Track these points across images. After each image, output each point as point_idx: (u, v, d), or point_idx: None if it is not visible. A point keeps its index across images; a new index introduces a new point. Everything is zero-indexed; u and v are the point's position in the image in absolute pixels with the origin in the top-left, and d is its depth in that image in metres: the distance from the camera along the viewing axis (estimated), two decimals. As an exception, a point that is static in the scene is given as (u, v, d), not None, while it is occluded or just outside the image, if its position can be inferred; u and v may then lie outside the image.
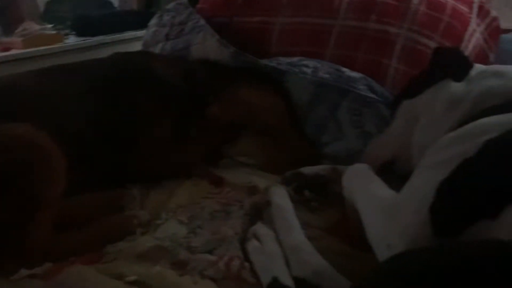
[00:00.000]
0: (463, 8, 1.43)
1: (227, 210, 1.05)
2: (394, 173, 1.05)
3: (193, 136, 1.28)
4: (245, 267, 0.85)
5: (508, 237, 0.62)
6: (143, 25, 2.13)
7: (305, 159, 1.21)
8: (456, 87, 0.96)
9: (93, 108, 1.21)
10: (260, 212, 1.02)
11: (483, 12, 1.48)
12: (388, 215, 0.83)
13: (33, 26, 2.02)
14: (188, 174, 1.23)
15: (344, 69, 1.30)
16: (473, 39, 1.41)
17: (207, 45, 1.44)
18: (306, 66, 1.29)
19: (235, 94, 1.30)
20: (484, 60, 1.44)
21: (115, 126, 1.22)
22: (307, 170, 1.13)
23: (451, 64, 1.00)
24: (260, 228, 0.95)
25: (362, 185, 0.96)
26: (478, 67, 1.04)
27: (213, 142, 1.29)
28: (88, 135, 1.17)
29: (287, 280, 0.81)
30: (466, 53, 1.37)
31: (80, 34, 2.05)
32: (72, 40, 1.98)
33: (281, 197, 1.03)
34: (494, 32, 1.50)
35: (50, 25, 2.28)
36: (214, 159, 1.29)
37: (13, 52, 1.83)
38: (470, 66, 0.99)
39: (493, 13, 1.50)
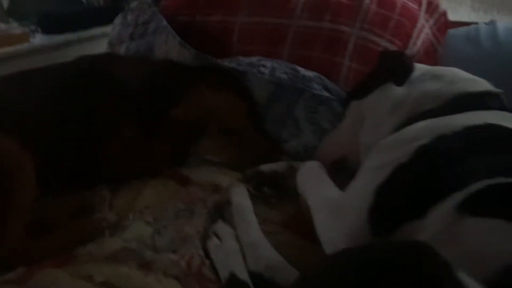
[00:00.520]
0: (412, 5, 1.50)
1: (191, 209, 1.10)
2: (345, 169, 1.13)
3: (158, 137, 1.32)
4: (205, 264, 0.91)
5: (430, 234, 0.70)
6: (110, 21, 2.16)
7: (266, 156, 1.26)
8: (397, 90, 1.03)
9: (59, 113, 1.24)
10: (221, 210, 1.08)
11: (431, 7, 1.55)
12: (334, 214, 0.90)
13: None
14: (155, 174, 1.27)
15: (300, 69, 1.35)
16: (421, 34, 1.48)
17: (169, 46, 1.48)
18: (264, 66, 1.35)
19: (197, 95, 1.34)
20: (433, 54, 1.51)
21: (80, 129, 1.25)
22: (266, 167, 1.19)
23: (393, 68, 1.06)
24: (220, 226, 1.01)
25: (313, 184, 1.03)
26: (419, 69, 1.10)
27: (178, 141, 1.32)
28: (55, 139, 1.20)
29: (243, 275, 0.87)
30: (415, 48, 1.45)
31: (46, 31, 2.03)
32: (38, 38, 1.96)
33: (241, 196, 1.09)
34: (442, 26, 1.57)
35: (15, 23, 2.26)
36: (180, 158, 1.33)
37: None
38: (411, 70, 1.06)
39: (441, 8, 1.57)
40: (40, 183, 1.07)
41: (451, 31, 1.52)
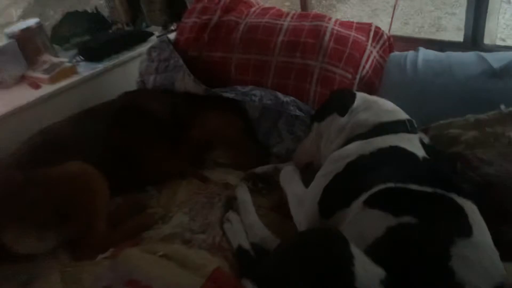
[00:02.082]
0: (361, 38, 1.83)
1: (212, 202, 1.53)
2: (312, 169, 1.52)
3: (182, 150, 1.73)
4: (223, 240, 1.35)
5: (350, 218, 1.10)
6: (135, 45, 2.54)
7: (258, 159, 1.67)
8: (340, 119, 1.37)
9: (112, 141, 1.64)
10: (231, 202, 1.50)
11: (377, 37, 1.88)
12: (299, 203, 1.32)
13: (51, 59, 2.31)
14: (183, 176, 1.69)
15: (280, 95, 1.72)
16: (370, 59, 1.82)
17: (185, 82, 1.86)
18: (255, 95, 1.73)
19: (208, 118, 1.75)
20: (380, 71, 1.84)
21: (127, 150, 1.65)
22: (259, 169, 1.61)
23: (337, 103, 1.41)
24: (231, 214, 1.44)
25: (288, 182, 1.44)
26: (359, 98, 1.42)
27: (197, 152, 1.75)
28: (113, 160, 1.59)
29: (246, 245, 1.31)
30: (364, 71, 1.79)
31: (88, 59, 2.38)
32: (82, 68, 2.30)
33: (243, 193, 1.50)
34: (387, 49, 1.90)
35: (60, 49, 2.63)
36: (199, 163, 1.75)
37: (44, 89, 2.15)
38: (350, 104, 1.38)
39: (385, 35, 1.92)
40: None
41: (390, 56, 1.83)
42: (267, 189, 1.56)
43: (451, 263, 0.90)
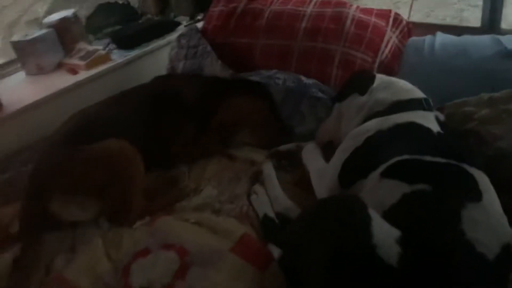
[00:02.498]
0: (381, 23, 1.90)
1: (239, 177, 1.61)
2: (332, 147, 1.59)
3: (211, 131, 1.82)
4: (250, 210, 1.44)
5: (367, 188, 1.18)
6: (165, 34, 2.65)
7: (282, 139, 1.75)
8: (360, 98, 1.45)
9: (146, 122, 1.74)
10: (257, 177, 1.59)
11: (397, 22, 1.95)
12: (320, 176, 1.40)
13: (86, 47, 2.44)
14: (212, 155, 1.78)
15: (303, 78, 1.79)
16: (389, 44, 1.88)
17: (213, 67, 1.96)
18: (278, 78, 1.81)
19: (235, 101, 1.84)
20: (399, 56, 1.90)
21: (161, 132, 1.75)
22: (283, 147, 1.69)
23: (358, 83, 1.50)
24: (257, 187, 1.53)
25: (310, 159, 1.52)
26: (378, 79, 1.50)
27: (225, 133, 1.83)
28: (146, 139, 1.68)
29: (271, 214, 1.40)
30: (383, 55, 1.86)
31: (120, 47, 2.49)
32: (115, 55, 2.42)
33: (268, 168, 1.59)
34: (406, 34, 1.97)
35: (94, 38, 2.75)
36: (226, 144, 1.83)
37: (81, 75, 2.27)
38: (370, 84, 1.46)
39: (405, 21, 1.98)
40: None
41: (409, 41, 1.90)
42: (291, 165, 1.64)
43: (461, 224, 0.97)
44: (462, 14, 4.00)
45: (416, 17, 3.45)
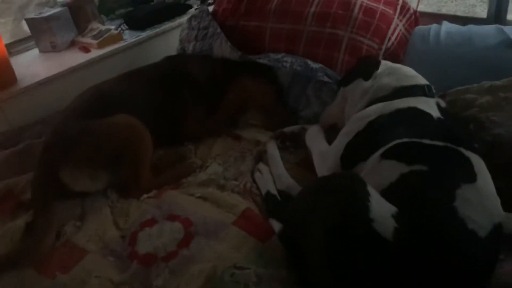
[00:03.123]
0: (389, 11, 1.90)
1: (243, 156, 1.65)
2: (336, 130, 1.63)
3: (219, 111, 1.86)
4: (253, 186, 1.48)
5: (367, 169, 1.21)
6: (176, 16, 2.67)
7: (287, 121, 1.78)
8: (364, 83, 1.48)
9: (156, 100, 1.77)
10: (261, 156, 1.62)
11: (404, 10, 1.96)
12: (323, 158, 1.43)
13: (99, 26, 2.47)
14: (219, 134, 1.81)
15: (310, 62, 1.81)
16: (396, 31, 1.90)
17: (223, 48, 1.97)
18: (286, 61, 1.83)
19: (242, 83, 1.87)
20: (405, 43, 1.92)
21: (169, 110, 1.79)
22: (287, 129, 1.72)
23: (363, 69, 1.52)
24: (261, 165, 1.57)
25: (313, 141, 1.56)
26: (383, 65, 1.52)
27: (232, 113, 1.87)
28: (155, 117, 1.70)
29: (274, 191, 1.44)
30: (390, 43, 1.87)
31: (132, 28, 2.54)
32: (127, 35, 2.46)
33: (272, 148, 1.62)
34: (412, 22, 1.98)
35: (106, 19, 2.79)
36: (233, 124, 1.87)
37: (93, 53, 2.30)
38: (374, 70, 1.48)
39: (412, 9, 1.99)
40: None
41: (415, 29, 1.91)
42: (294, 147, 1.67)
43: (455, 202, 1.01)
44: (474, 10, 3.97)
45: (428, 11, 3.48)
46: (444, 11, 4.02)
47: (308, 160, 1.53)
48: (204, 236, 1.27)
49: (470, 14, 3.91)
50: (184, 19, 2.46)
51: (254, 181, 1.51)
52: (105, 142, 1.54)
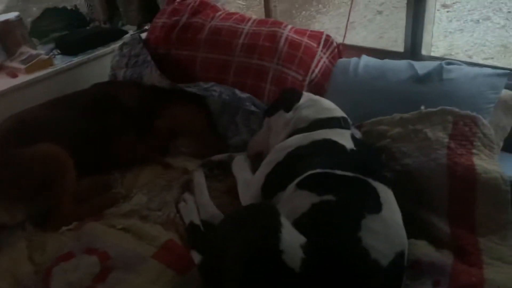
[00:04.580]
0: (313, 44, 1.96)
1: (170, 185, 1.63)
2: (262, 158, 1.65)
3: (148, 138, 1.83)
4: (177, 217, 1.46)
5: (284, 199, 1.24)
6: (110, 42, 2.62)
7: (217, 149, 1.78)
8: (286, 115, 1.52)
9: (82, 126, 1.73)
10: (188, 185, 1.62)
11: (328, 43, 2.02)
12: (246, 187, 1.45)
13: (29, 51, 2.35)
14: (148, 162, 1.78)
15: (238, 92, 1.84)
16: (320, 64, 1.95)
17: (152, 76, 1.96)
18: (215, 91, 1.84)
19: (172, 110, 1.86)
20: (328, 75, 1.97)
21: (96, 136, 1.74)
22: (215, 157, 1.72)
23: (285, 100, 1.56)
24: (186, 195, 1.56)
25: (238, 169, 1.57)
26: (305, 96, 1.58)
27: (162, 140, 1.85)
28: (81, 144, 1.67)
29: (197, 221, 1.43)
30: (314, 74, 1.93)
31: (64, 53, 2.44)
32: (58, 60, 2.36)
33: (199, 176, 1.62)
34: (336, 55, 2.05)
35: (39, 43, 2.70)
36: (163, 151, 1.85)
37: (20, 78, 2.19)
38: (296, 102, 1.53)
39: (335, 43, 2.07)
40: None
41: (338, 62, 1.97)
42: (222, 175, 1.67)
43: (359, 232, 1.05)
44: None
45: (371, 38, 3.67)
46: (386, 37, 4.17)
47: (236, 188, 1.52)
48: (122, 269, 1.23)
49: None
50: (118, 44, 2.43)
51: (178, 211, 1.49)
52: (24, 174, 1.48)
